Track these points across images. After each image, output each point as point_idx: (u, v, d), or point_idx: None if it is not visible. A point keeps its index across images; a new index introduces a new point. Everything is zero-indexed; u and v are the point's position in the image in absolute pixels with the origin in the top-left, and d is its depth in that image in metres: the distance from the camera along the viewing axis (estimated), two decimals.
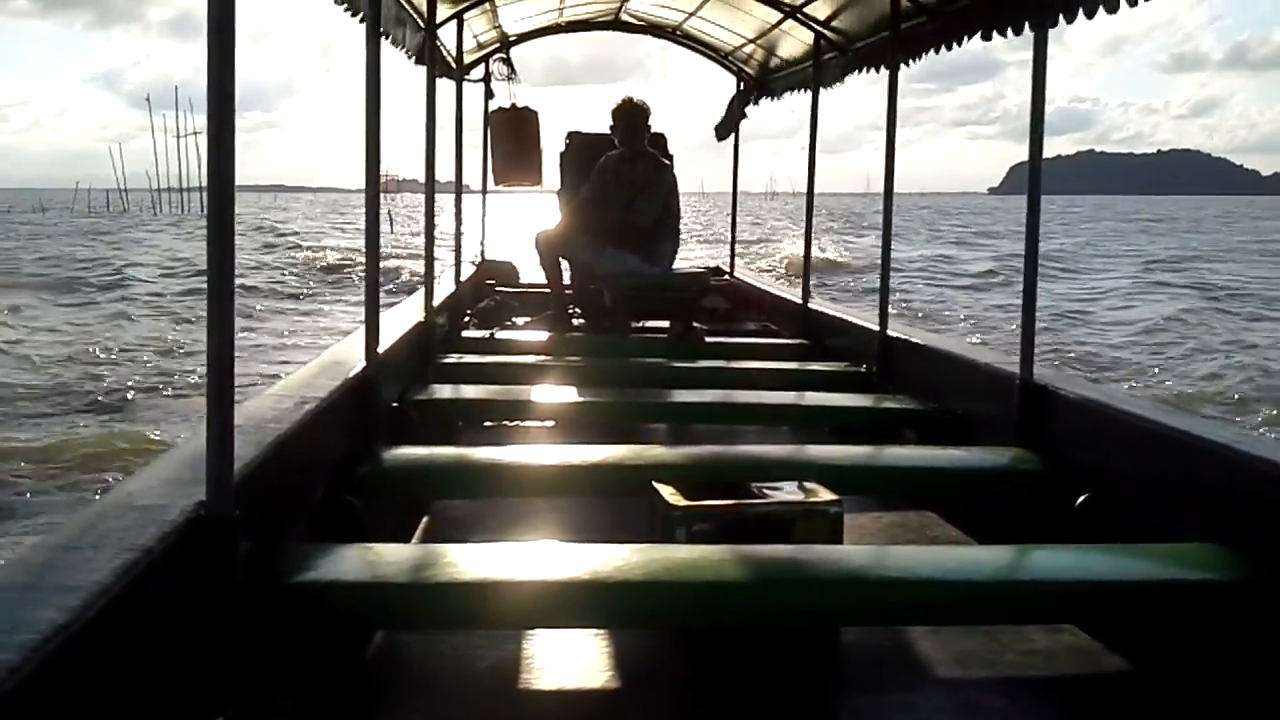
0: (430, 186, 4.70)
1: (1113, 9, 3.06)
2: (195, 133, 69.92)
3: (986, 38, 3.92)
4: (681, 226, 6.12)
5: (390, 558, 2.24)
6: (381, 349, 3.25)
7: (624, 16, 7.22)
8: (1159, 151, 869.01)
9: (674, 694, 2.30)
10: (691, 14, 6.61)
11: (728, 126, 7.69)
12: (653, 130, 5.97)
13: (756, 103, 7.37)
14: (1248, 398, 10.16)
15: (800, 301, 5.95)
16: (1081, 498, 2.75)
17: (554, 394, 4.23)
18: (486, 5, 6.00)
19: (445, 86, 5.63)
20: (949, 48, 4.23)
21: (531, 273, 6.88)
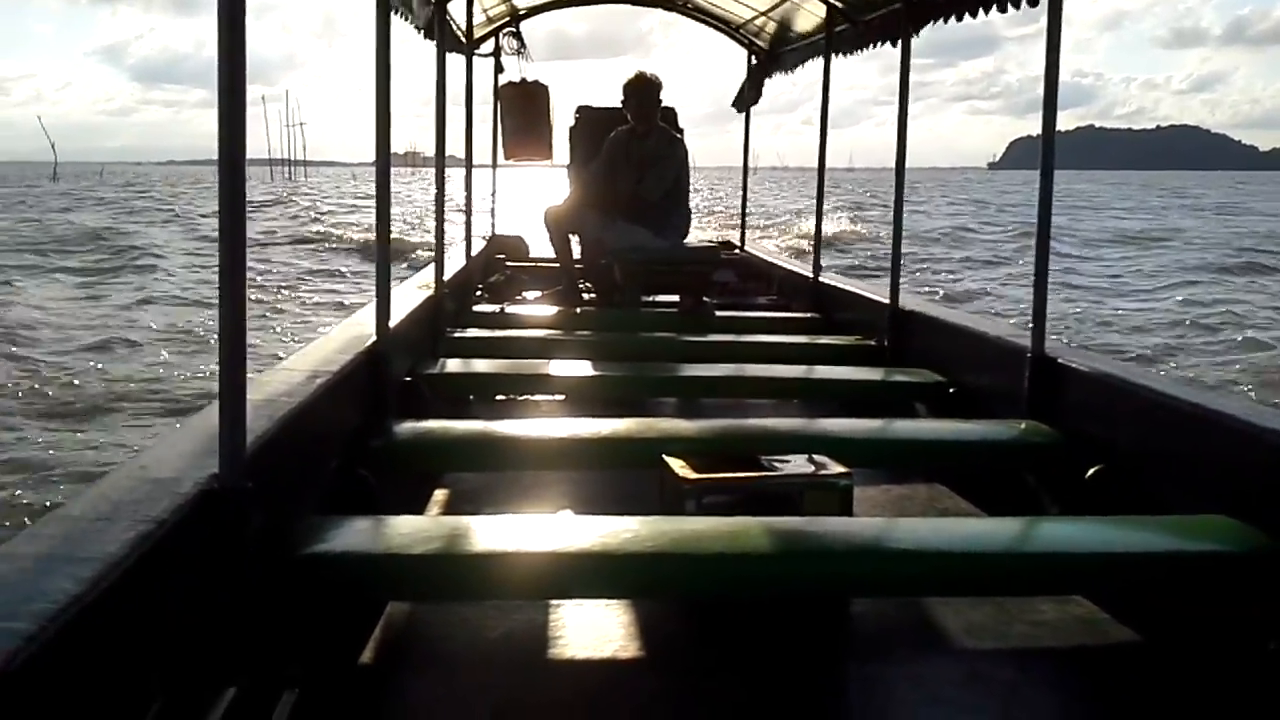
0: (440, 161, 4.69)
1: None
2: (302, 123, 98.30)
3: (1001, 9, 3.86)
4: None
5: (402, 530, 2.25)
6: (393, 323, 3.26)
7: None
8: (1159, 127, 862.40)
9: (684, 665, 2.31)
10: None
11: (745, 101, 7.63)
12: (663, 104, 5.95)
13: (770, 76, 7.31)
14: None
15: (811, 275, 5.94)
16: (1092, 470, 2.75)
17: (565, 368, 4.23)
18: None
19: (455, 61, 5.60)
20: (959, 18, 4.18)
21: (542, 247, 6.86)
